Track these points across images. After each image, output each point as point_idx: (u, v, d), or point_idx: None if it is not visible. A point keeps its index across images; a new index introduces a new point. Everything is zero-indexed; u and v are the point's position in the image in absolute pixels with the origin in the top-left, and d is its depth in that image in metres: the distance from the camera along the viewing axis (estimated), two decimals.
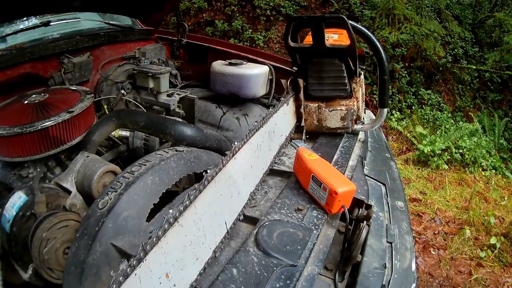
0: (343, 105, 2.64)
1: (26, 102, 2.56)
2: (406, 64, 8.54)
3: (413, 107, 8.21)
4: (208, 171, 1.59)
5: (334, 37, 2.62)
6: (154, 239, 1.28)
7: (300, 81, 2.67)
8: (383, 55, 2.47)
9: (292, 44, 2.60)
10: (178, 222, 1.39)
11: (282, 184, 2.18)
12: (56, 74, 3.25)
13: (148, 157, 2.03)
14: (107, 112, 3.15)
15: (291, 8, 9.61)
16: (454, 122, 8.02)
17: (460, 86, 9.00)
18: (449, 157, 6.68)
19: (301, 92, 2.69)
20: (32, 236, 1.82)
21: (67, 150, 2.54)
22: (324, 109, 2.66)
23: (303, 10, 9.80)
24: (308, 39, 2.63)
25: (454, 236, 4.83)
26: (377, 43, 2.47)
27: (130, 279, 1.17)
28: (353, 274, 1.69)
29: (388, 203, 2.22)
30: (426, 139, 6.87)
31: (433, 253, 4.52)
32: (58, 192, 2.12)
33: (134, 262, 1.19)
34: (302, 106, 2.71)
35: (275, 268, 1.49)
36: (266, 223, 1.74)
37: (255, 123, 2.05)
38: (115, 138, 2.87)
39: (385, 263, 1.73)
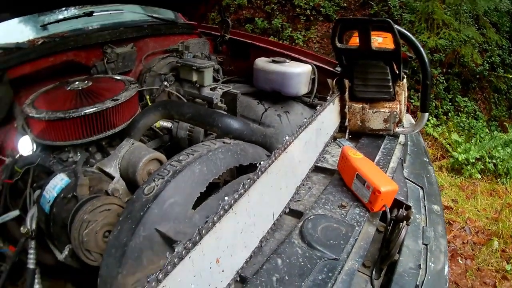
0: (386, 107, 2.66)
1: (69, 88, 2.62)
2: (444, 70, 8.42)
3: (449, 114, 8.10)
4: (262, 162, 1.62)
5: (379, 40, 2.64)
6: (210, 224, 1.31)
7: (346, 82, 2.70)
8: (426, 60, 2.47)
9: (339, 45, 2.62)
10: (232, 209, 1.43)
11: (326, 181, 2.21)
12: (99, 63, 3.31)
13: (195, 147, 2.04)
14: (150, 103, 3.17)
15: (331, 8, 9.56)
16: (489, 131, 7.87)
17: (496, 95, 8.84)
18: (482, 167, 6.55)
19: (346, 92, 2.71)
20: (73, 217, 1.84)
21: (108, 137, 2.58)
22: (368, 110, 2.69)
23: (342, 11, 9.74)
24: (353, 41, 2.66)
25: (482, 246, 4.75)
26: (421, 48, 2.48)
27: (184, 261, 1.21)
28: (388, 273, 1.71)
29: (425, 206, 2.23)
30: (461, 147, 6.77)
31: (461, 262, 4.46)
32: (101, 177, 2.16)
33: (190, 245, 1.22)
34: (347, 106, 2.73)
35: (318, 261, 1.52)
36: (311, 216, 1.77)
37: (305, 120, 2.08)
38: (156, 128, 2.90)
39: (420, 264, 1.75)
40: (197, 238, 1.26)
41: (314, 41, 9.31)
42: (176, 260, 1.17)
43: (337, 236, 1.65)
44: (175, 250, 1.19)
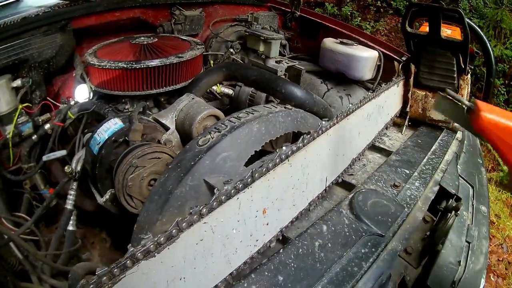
0: None
1: (133, 42, 2.66)
2: (506, 81, 8.24)
3: None
4: (323, 122, 1.61)
5: (448, 32, 2.65)
6: (264, 169, 1.30)
7: (412, 67, 2.68)
8: (492, 57, 2.48)
9: (409, 29, 2.61)
10: (288, 160, 1.42)
11: (381, 162, 2.21)
12: (166, 23, 3.35)
13: (256, 107, 2.02)
14: None
15: (401, 3, 9.41)
16: None
17: None
18: None
19: (412, 77, 2.70)
20: (120, 160, 1.83)
21: (167, 94, 2.62)
22: (430, 99, 2.67)
23: None
24: (423, 29, 2.65)
25: None
26: (488, 44, 2.48)
27: (230, 201, 1.20)
28: (428, 264, 1.69)
29: (473, 205, 2.18)
30: None
31: (492, 279, 4.36)
32: (156, 126, 2.16)
33: (240, 186, 1.21)
34: (410, 92, 2.72)
35: (363, 234, 1.52)
36: (363, 190, 1.77)
37: (369, 93, 2.06)
38: (217, 93, 2.92)
39: (460, 261, 1.71)
40: (248, 180, 1.25)
41: (382, 33, 9.19)
42: (223, 197, 1.17)
43: (386, 214, 1.64)
44: (225, 187, 1.18)
